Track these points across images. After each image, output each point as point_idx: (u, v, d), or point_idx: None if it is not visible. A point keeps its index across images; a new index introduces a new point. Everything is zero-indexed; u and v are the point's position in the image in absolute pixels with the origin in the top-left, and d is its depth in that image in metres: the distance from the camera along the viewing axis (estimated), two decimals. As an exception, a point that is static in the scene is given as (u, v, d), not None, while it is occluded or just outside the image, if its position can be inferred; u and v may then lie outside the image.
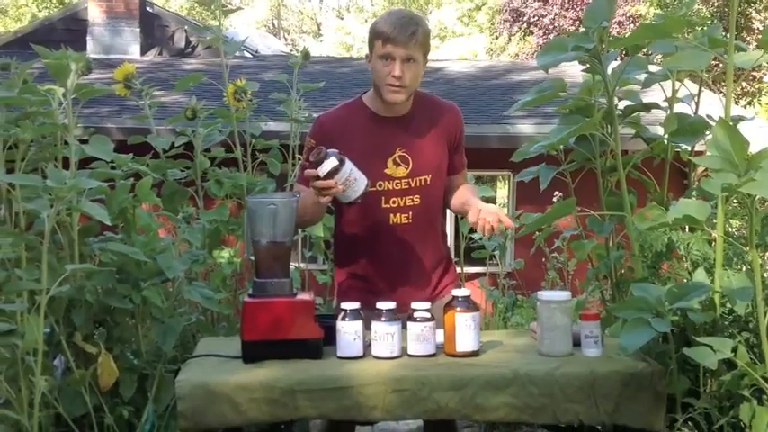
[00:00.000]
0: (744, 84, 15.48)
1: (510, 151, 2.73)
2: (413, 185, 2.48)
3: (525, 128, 8.32)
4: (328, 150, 2.20)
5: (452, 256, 2.74)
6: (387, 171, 2.47)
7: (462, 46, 22.92)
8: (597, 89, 2.52)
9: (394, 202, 2.47)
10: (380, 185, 2.46)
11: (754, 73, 15.14)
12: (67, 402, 2.37)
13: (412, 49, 2.39)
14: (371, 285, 2.52)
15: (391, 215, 2.48)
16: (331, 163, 2.18)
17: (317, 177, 2.20)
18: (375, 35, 2.42)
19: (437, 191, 2.55)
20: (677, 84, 2.69)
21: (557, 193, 4.14)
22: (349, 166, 2.21)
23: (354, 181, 2.23)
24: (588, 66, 2.42)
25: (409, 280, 2.52)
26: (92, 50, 10.22)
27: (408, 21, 2.39)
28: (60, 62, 2.41)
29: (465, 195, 2.54)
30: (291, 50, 3.90)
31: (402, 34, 2.36)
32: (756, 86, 16.64)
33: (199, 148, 3.44)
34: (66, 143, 2.53)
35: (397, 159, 2.48)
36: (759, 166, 1.79)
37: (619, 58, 2.53)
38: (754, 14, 16.28)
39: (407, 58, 2.39)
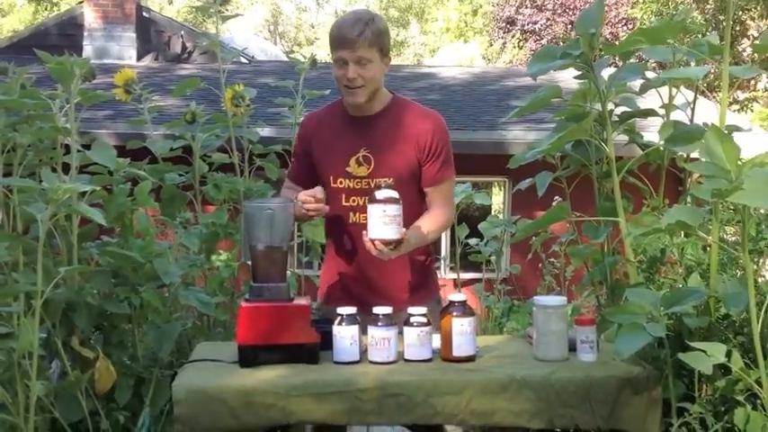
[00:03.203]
0: (739, 92, 15.53)
1: (506, 157, 2.74)
2: (373, 186, 2.40)
3: (521, 134, 8.32)
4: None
5: (433, 271, 2.64)
6: (348, 169, 2.46)
7: (459, 52, 22.92)
8: (592, 95, 2.53)
9: (354, 201, 2.45)
10: (341, 183, 2.46)
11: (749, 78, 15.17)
12: (63, 407, 2.36)
13: (361, 50, 2.36)
14: (343, 284, 2.53)
15: (351, 213, 2.46)
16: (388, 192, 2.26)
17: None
18: (329, 41, 2.43)
19: (402, 196, 2.31)
20: (673, 90, 2.70)
21: (557, 197, 4.15)
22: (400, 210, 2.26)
23: (393, 223, 2.23)
24: (581, 73, 2.43)
25: (370, 283, 2.48)
26: (87, 55, 10.20)
27: (355, 21, 2.37)
28: (64, 67, 2.41)
29: (419, 221, 2.43)
30: (295, 54, 3.92)
31: (348, 36, 2.35)
32: (751, 93, 16.67)
33: (198, 153, 3.44)
34: (66, 147, 2.53)
35: (360, 159, 2.46)
36: (748, 175, 1.79)
37: (612, 63, 2.53)
38: (749, 21, 16.31)
39: (358, 60, 2.37)
